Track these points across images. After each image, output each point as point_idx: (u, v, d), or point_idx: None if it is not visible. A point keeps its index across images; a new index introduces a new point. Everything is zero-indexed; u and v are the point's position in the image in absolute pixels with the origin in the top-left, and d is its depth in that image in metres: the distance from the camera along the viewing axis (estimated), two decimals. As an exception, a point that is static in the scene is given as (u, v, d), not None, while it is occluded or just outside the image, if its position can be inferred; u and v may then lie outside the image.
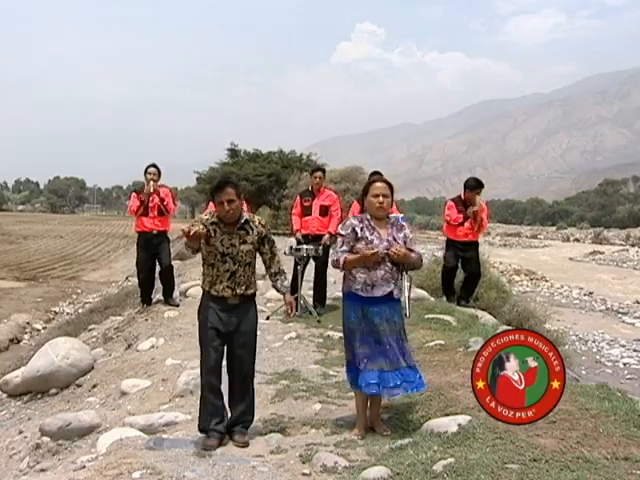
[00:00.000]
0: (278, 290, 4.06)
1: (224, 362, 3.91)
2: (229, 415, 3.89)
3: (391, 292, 3.87)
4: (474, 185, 7.95)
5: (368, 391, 3.84)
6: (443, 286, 8.51)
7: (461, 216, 7.94)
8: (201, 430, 3.82)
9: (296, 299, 7.76)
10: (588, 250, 44.32)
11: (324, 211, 7.88)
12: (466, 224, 7.94)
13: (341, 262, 3.91)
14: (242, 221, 3.85)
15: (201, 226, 3.73)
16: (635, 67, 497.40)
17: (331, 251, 6.98)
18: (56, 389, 6.43)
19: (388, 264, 3.86)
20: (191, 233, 3.61)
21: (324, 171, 8.28)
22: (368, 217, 3.96)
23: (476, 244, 8.22)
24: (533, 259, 36.31)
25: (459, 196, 8.16)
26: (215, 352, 3.80)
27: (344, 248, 3.93)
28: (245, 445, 3.72)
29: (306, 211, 7.93)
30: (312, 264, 8.01)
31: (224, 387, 3.94)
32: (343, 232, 3.97)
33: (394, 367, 3.83)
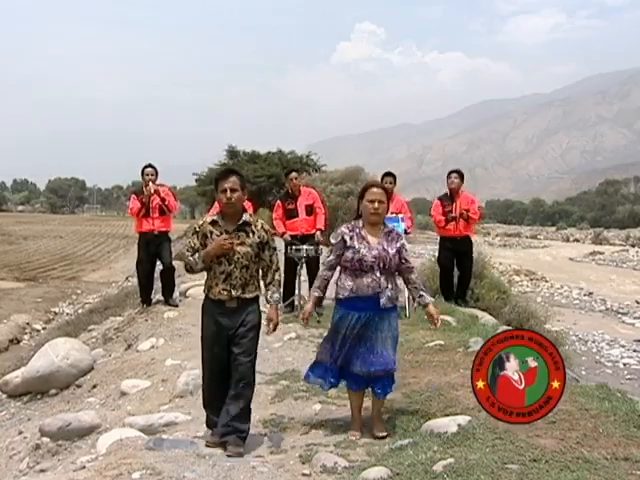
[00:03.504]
0: (267, 301, 3.91)
1: None
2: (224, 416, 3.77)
3: (377, 300, 3.83)
4: (449, 174, 8.17)
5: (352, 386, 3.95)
6: (440, 287, 8.53)
7: (443, 218, 8.07)
8: (208, 426, 3.92)
9: (292, 301, 7.77)
10: (588, 250, 44.31)
11: (309, 210, 7.94)
12: (451, 224, 8.01)
13: (318, 287, 4.02)
14: (241, 222, 3.75)
15: (224, 236, 3.70)
16: (635, 67, 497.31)
17: (325, 250, 6.98)
18: (56, 389, 6.43)
19: (376, 273, 3.84)
20: (226, 246, 3.65)
21: (298, 171, 8.46)
22: (360, 225, 3.96)
23: (469, 239, 8.21)
24: (533, 259, 36.30)
25: (445, 193, 8.23)
26: (214, 358, 3.78)
27: (331, 258, 3.98)
28: (239, 455, 3.58)
29: (291, 214, 7.95)
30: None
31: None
32: (333, 241, 4.00)
33: (364, 373, 3.86)
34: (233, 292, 3.70)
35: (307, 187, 8.45)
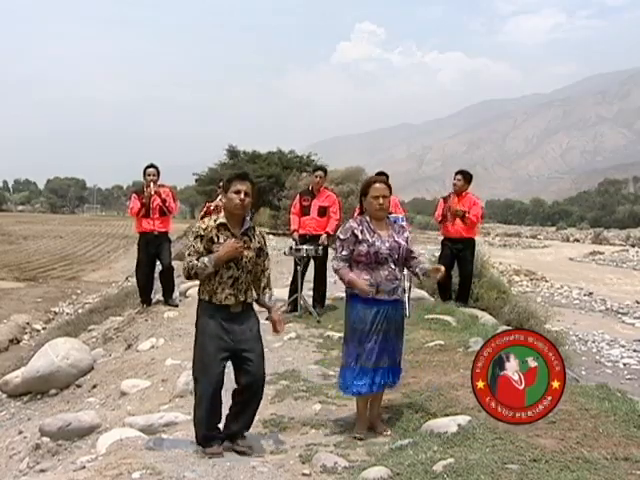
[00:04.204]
0: (263, 305, 3.83)
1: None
2: (230, 426, 3.68)
3: (395, 292, 3.90)
4: (454, 174, 8.19)
5: (362, 391, 3.87)
6: (438, 286, 8.51)
7: (440, 214, 8.13)
8: (202, 440, 3.59)
9: (296, 299, 7.77)
10: (588, 250, 44.34)
11: (322, 212, 7.85)
12: (449, 222, 8.01)
13: (345, 279, 3.88)
14: (247, 226, 3.71)
15: (232, 240, 3.59)
16: (635, 67, 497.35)
17: (330, 251, 6.98)
18: (56, 389, 6.43)
19: (391, 264, 3.89)
20: (239, 250, 3.56)
21: (325, 171, 8.23)
22: (367, 219, 3.97)
23: (470, 241, 8.15)
24: (533, 259, 36.30)
25: (449, 194, 8.24)
26: (220, 364, 3.56)
27: (344, 253, 3.92)
28: (250, 449, 3.60)
29: (304, 211, 7.90)
30: (312, 264, 8.00)
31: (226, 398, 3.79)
32: (342, 236, 3.95)
33: (389, 364, 3.89)
34: (240, 297, 3.63)
35: (329, 190, 8.34)
